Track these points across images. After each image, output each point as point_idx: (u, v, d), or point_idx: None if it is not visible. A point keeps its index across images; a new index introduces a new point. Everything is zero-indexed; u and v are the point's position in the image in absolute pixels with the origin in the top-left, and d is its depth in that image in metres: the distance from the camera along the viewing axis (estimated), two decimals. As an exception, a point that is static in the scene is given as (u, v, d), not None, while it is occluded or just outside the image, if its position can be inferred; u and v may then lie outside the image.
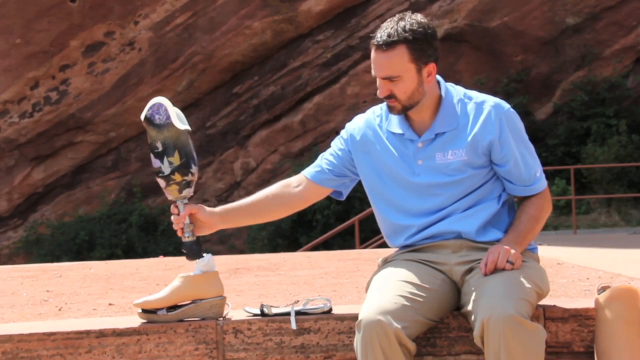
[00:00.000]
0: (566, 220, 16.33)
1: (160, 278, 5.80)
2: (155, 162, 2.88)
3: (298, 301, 3.01)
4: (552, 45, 18.43)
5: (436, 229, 2.85)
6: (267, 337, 2.89)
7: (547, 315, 2.89)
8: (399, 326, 2.61)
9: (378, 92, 2.84)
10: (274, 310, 2.95)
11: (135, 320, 2.96)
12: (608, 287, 2.85)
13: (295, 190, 3.00)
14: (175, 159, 2.86)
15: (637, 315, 2.76)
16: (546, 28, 18.24)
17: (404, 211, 2.89)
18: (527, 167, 2.87)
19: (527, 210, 2.86)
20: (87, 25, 18.44)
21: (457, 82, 3.04)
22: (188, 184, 2.89)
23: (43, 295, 5.05)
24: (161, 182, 2.89)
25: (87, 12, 18.38)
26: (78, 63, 18.64)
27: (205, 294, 2.91)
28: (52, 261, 14.40)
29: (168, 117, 2.85)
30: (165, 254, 14.32)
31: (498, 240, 2.83)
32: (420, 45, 2.78)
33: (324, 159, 3.01)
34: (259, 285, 5.15)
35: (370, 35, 2.87)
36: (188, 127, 2.88)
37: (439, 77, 2.90)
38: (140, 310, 2.92)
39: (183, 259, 7.56)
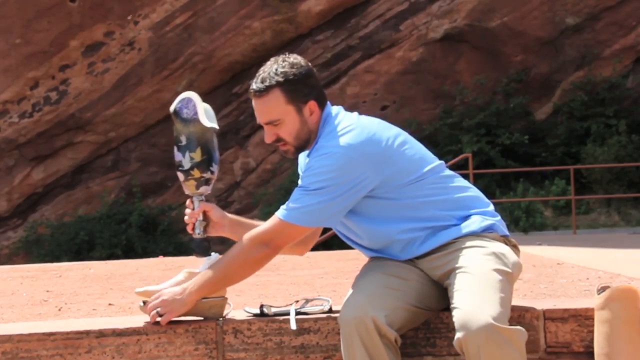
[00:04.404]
0: (566, 220, 16.34)
1: (160, 278, 5.81)
2: (177, 155, 2.88)
3: (298, 301, 3.01)
4: (551, 45, 18.43)
5: (390, 255, 2.84)
6: (267, 337, 2.89)
7: (547, 315, 2.89)
8: (377, 314, 2.60)
9: (265, 138, 2.83)
10: (274, 310, 2.95)
11: (135, 320, 2.96)
12: (608, 287, 2.84)
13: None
14: (197, 155, 2.86)
15: (637, 315, 2.76)
16: (546, 28, 18.24)
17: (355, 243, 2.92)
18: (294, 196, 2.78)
19: (227, 254, 2.80)
20: (87, 25, 18.44)
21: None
22: (206, 182, 2.88)
23: (43, 295, 5.05)
24: (180, 176, 2.90)
25: (87, 12, 18.38)
26: (78, 63, 18.64)
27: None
28: (52, 261, 14.40)
29: (195, 113, 2.85)
30: (165, 254, 14.33)
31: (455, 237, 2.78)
32: (293, 86, 2.76)
33: None
34: (259, 285, 5.15)
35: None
36: (215, 126, 2.87)
37: (335, 110, 2.84)
38: (142, 304, 2.90)
39: (183, 259, 7.53)
